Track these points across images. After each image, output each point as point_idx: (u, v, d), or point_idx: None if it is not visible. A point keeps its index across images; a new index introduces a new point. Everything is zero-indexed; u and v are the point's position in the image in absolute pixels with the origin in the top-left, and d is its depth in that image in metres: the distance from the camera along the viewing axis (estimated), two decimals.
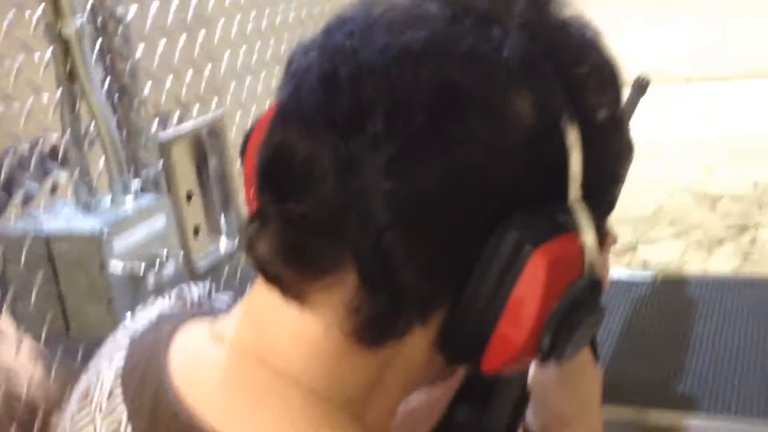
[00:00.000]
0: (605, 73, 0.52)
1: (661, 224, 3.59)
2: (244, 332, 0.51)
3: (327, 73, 0.46)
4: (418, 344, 0.49)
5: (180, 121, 1.48)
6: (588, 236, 0.49)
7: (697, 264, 3.18)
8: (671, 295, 1.08)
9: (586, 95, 0.49)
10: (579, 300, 0.48)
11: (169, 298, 0.62)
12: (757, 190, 3.79)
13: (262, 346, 0.50)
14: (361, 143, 0.45)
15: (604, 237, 0.81)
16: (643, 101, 0.95)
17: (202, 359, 0.52)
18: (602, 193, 0.53)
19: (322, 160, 0.45)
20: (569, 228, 0.48)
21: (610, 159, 0.52)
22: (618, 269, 1.14)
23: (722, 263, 3.18)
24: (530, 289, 0.46)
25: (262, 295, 0.50)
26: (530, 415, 0.72)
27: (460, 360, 0.49)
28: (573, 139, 0.47)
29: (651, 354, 0.94)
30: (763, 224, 3.44)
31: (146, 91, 1.40)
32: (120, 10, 1.36)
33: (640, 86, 0.96)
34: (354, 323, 0.47)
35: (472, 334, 0.47)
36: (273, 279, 0.49)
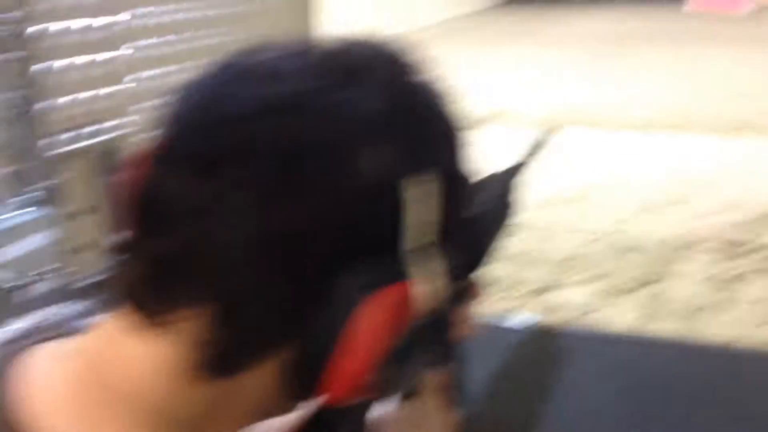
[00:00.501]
0: (454, 133, 0.56)
1: (571, 271, 3.69)
2: (94, 352, 0.54)
3: (196, 118, 0.51)
4: (263, 377, 0.52)
5: (85, 138, 1.49)
6: (424, 285, 0.52)
7: (602, 311, 3.28)
8: (547, 344, 1.12)
9: (441, 151, 0.54)
10: (411, 343, 0.52)
11: (30, 317, 0.64)
12: (665, 245, 3.92)
13: (111, 366, 0.52)
14: (221, 186, 0.48)
15: (469, 289, 0.85)
16: (542, 155, 1.00)
17: (46, 377, 0.54)
18: (456, 242, 0.57)
19: (184, 199, 0.49)
20: (403, 277, 0.51)
21: (458, 212, 0.56)
22: (497, 316, 1.18)
23: (625, 312, 3.28)
24: (361, 333, 0.50)
25: (118, 318, 0.52)
26: None
27: (300, 393, 0.53)
28: (415, 194, 0.51)
29: (517, 399, 0.98)
30: (667, 278, 3.56)
31: (51, 106, 1.41)
32: (27, 26, 1.37)
33: (539, 143, 1.00)
34: (203, 355, 0.50)
35: (310, 372, 0.51)
36: (130, 306, 0.51)
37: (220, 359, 0.50)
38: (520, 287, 3.51)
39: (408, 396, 0.72)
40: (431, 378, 0.73)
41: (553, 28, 12.37)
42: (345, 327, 0.50)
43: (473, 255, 0.81)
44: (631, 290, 3.46)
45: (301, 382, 0.52)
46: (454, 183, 0.55)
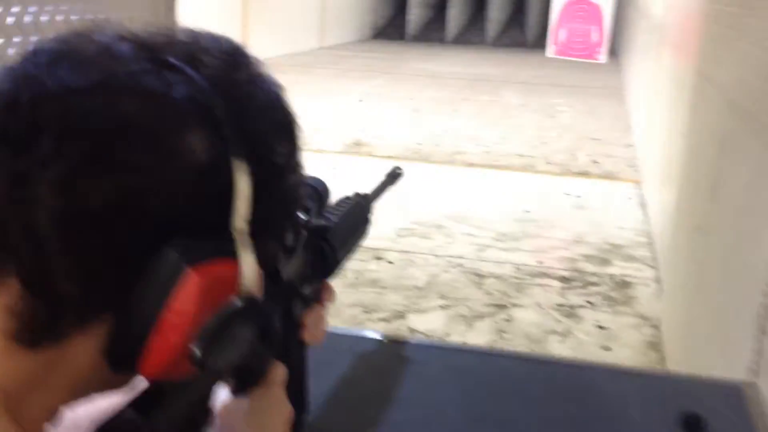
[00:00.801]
0: (283, 121, 0.59)
1: (430, 296, 3.79)
2: None
3: (10, 96, 0.51)
4: (82, 350, 0.52)
5: None
6: (246, 264, 0.54)
7: (458, 335, 3.38)
8: (393, 355, 1.15)
9: (262, 139, 0.56)
10: (229, 318, 0.54)
11: None
12: (519, 273, 4.11)
13: None
14: (31, 161, 0.49)
15: (321, 292, 0.88)
16: (398, 187, 1.05)
17: None
18: (275, 229, 0.59)
19: None
20: (227, 254, 0.53)
21: (282, 201, 0.58)
22: (345, 327, 1.21)
23: (479, 336, 3.41)
24: (182, 304, 0.51)
25: None
26: None
27: (123, 367, 0.53)
28: (241, 178, 0.53)
29: (359, 407, 1.01)
30: (519, 305, 3.72)
31: None
32: None
33: (393, 175, 1.06)
34: (15, 325, 0.50)
35: (132, 343, 0.52)
36: None
37: (35, 329, 0.50)
38: (379, 312, 3.57)
39: (252, 386, 0.74)
40: (275, 371, 0.75)
41: (414, 65, 12.75)
42: (164, 300, 0.51)
43: (324, 257, 0.85)
44: (484, 316, 3.59)
45: (121, 354, 0.53)
46: (282, 175, 0.58)
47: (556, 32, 12.11)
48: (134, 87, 0.51)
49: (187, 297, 0.51)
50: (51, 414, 0.54)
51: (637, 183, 5.82)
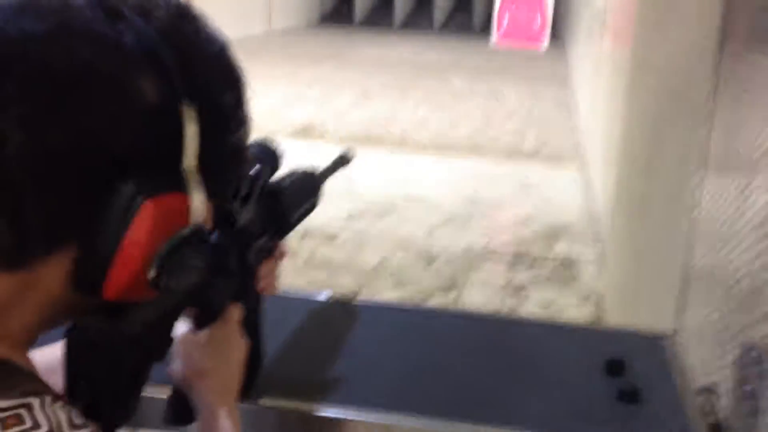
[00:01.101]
0: (228, 72, 0.66)
1: (381, 277, 3.87)
2: None
3: None
4: (51, 274, 0.58)
5: None
6: (196, 198, 0.62)
7: None
8: (341, 313, 1.24)
9: (209, 86, 0.63)
10: (181, 246, 0.61)
11: None
12: (468, 254, 4.22)
13: None
14: None
15: (273, 248, 0.95)
16: (343, 170, 1.12)
17: None
18: (222, 167, 0.66)
19: None
20: (179, 189, 0.60)
21: (228, 141, 0.66)
22: (298, 289, 1.28)
23: None
24: (139, 233, 0.58)
25: None
26: (175, 368, 0.83)
27: (89, 290, 0.60)
28: (190, 118, 0.60)
29: (309, 358, 1.09)
30: (468, 284, 3.83)
31: None
32: None
33: (342, 158, 1.13)
34: None
35: (96, 269, 0.59)
36: None
37: (7, 253, 0.57)
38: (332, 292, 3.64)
39: (210, 321, 0.84)
40: (233, 309, 0.84)
41: (362, 51, 12.78)
42: (124, 229, 0.58)
43: (276, 216, 0.93)
44: (434, 295, 3.69)
45: (87, 279, 0.59)
46: (227, 122, 0.65)
47: (499, 21, 12.25)
48: (89, 34, 0.57)
49: (143, 225, 0.58)
50: (30, 335, 0.60)
51: (582, 165, 5.97)
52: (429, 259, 4.11)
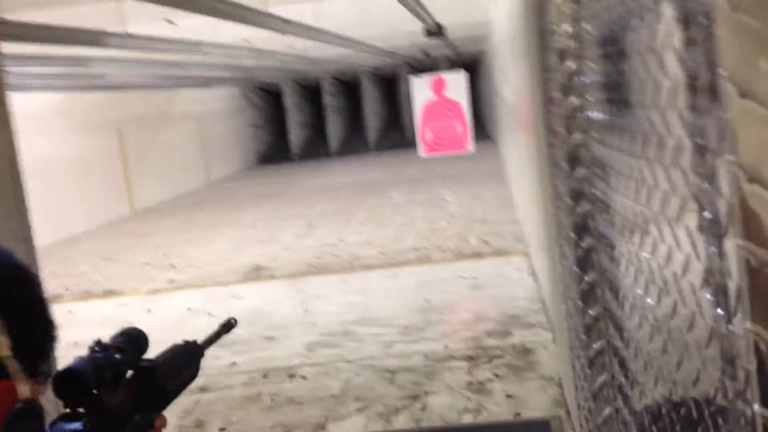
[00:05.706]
0: (19, 280, 0.87)
1: (347, 401, 3.89)
2: None
3: None
4: None
5: None
6: (20, 379, 0.76)
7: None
8: None
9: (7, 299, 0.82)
10: (13, 416, 0.75)
11: None
12: (427, 361, 4.27)
13: None
14: None
15: (153, 420, 1.03)
16: (226, 336, 1.22)
17: None
18: (35, 353, 0.82)
19: None
20: (3, 377, 0.76)
21: (35, 335, 0.82)
22: None
23: (401, 427, 3.52)
24: None
25: None
26: None
27: None
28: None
29: None
30: (432, 392, 3.87)
31: None
32: None
33: (227, 325, 1.23)
34: None
35: None
36: None
37: None
38: (299, 428, 3.65)
39: None
40: None
41: (303, 183, 13.08)
42: None
43: (152, 392, 1.02)
44: (400, 409, 3.71)
45: None
46: (29, 319, 0.82)
47: (423, 133, 12.76)
48: None
49: None
50: None
51: (526, 254, 6.14)
52: (390, 375, 4.15)
